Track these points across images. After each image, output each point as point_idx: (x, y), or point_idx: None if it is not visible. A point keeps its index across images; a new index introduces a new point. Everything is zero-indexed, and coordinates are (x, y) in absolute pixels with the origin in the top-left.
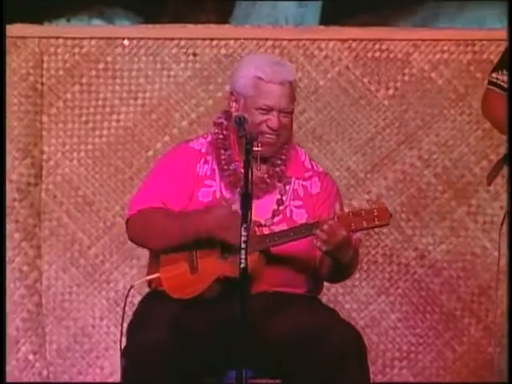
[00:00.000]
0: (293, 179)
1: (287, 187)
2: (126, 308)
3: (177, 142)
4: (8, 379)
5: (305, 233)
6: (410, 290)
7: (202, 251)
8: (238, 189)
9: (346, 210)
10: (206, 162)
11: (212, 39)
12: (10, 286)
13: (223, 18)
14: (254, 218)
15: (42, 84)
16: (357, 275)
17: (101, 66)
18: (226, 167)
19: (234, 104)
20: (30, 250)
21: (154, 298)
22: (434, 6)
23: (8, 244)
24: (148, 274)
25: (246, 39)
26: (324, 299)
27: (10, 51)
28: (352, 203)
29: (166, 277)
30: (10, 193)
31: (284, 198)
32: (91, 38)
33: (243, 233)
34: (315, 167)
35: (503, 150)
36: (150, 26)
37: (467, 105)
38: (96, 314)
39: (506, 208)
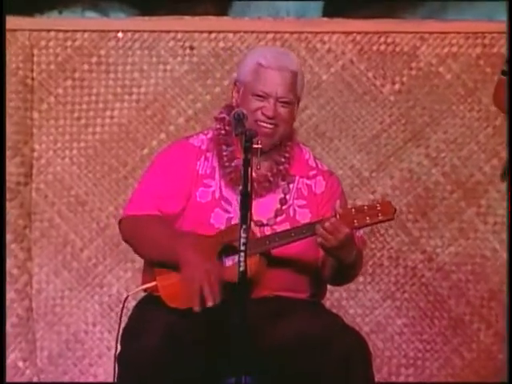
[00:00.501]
0: (297, 178)
1: (291, 186)
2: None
3: (173, 139)
4: None
5: (306, 233)
6: (417, 295)
7: None
8: (240, 187)
9: (349, 206)
10: (206, 159)
11: (210, 32)
12: None
13: (221, 9)
14: (255, 217)
15: (33, 79)
16: (361, 279)
17: (94, 59)
18: (227, 164)
19: (235, 95)
20: (20, 253)
21: (150, 303)
22: None
23: None
24: (143, 279)
25: (245, 32)
26: (327, 304)
27: None
28: (356, 203)
29: (164, 285)
30: None
31: (287, 196)
32: (84, 31)
33: (242, 234)
34: (320, 166)
35: None
36: (146, 18)
37: (477, 101)
38: (89, 320)
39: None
